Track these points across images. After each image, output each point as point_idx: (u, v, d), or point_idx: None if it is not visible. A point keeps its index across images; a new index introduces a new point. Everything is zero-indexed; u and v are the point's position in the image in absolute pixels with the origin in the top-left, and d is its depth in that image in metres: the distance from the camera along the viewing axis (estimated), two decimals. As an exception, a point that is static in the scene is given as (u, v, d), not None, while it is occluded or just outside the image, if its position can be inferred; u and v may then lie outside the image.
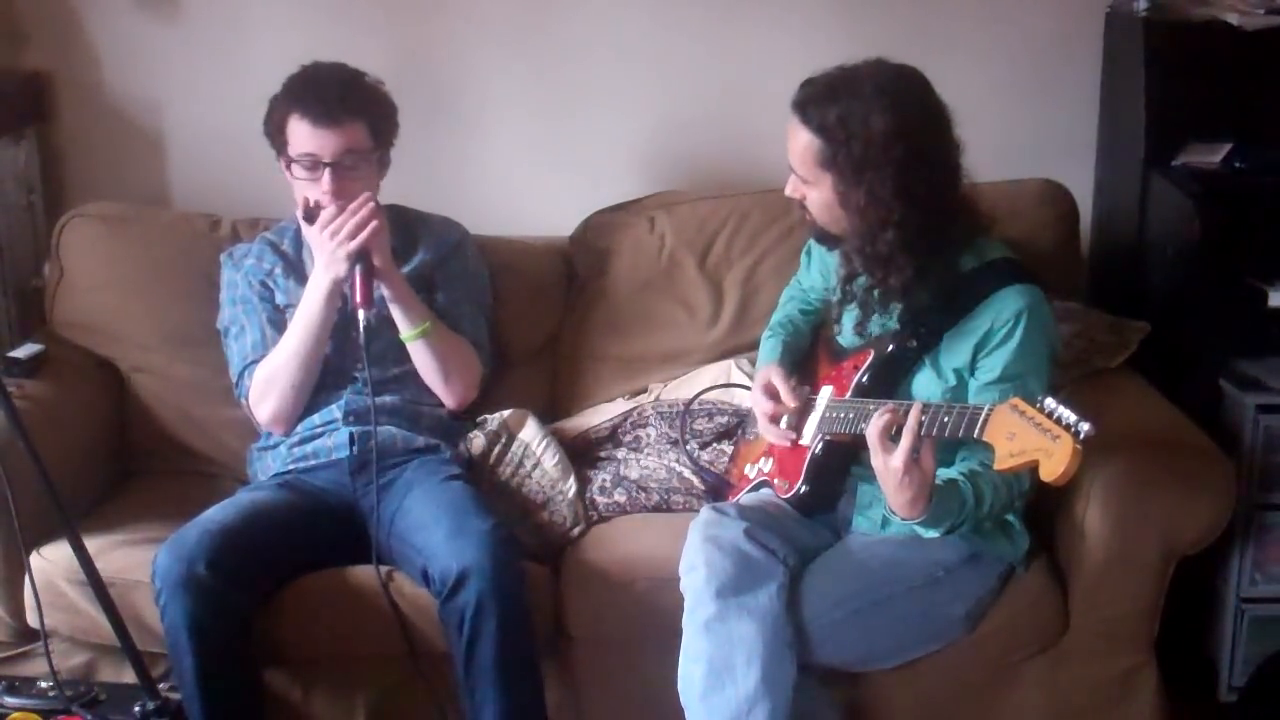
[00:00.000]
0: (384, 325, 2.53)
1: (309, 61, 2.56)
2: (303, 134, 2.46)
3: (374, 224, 2.42)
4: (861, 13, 3.10)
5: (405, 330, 2.53)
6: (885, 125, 2.08)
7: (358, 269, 2.41)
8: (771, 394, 2.36)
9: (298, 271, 2.63)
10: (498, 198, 3.16)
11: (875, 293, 2.19)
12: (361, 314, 2.40)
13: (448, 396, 2.62)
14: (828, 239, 2.28)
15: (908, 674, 2.32)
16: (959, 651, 2.30)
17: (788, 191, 2.25)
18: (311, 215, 2.47)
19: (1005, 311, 2.16)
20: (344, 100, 2.47)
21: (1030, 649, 2.37)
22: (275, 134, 2.52)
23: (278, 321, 2.60)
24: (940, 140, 2.15)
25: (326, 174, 2.45)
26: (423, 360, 2.57)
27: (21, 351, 2.68)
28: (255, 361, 2.57)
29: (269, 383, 2.54)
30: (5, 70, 3.09)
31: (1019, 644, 2.36)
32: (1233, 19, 2.81)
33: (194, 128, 3.16)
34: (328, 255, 2.44)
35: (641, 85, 3.15)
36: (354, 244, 2.41)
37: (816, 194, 2.20)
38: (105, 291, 2.82)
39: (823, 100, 2.13)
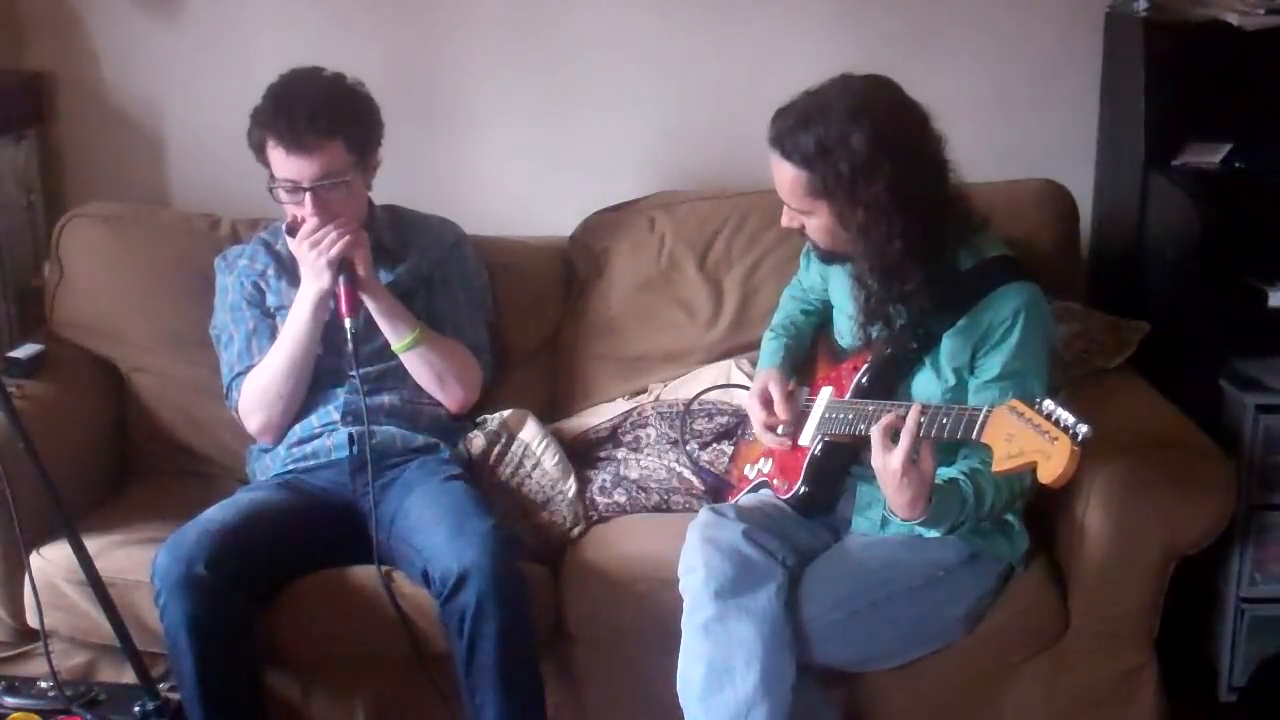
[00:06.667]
0: (374, 326, 2.54)
1: (289, 70, 2.52)
2: (279, 160, 2.44)
3: (349, 236, 2.44)
4: (861, 13, 3.10)
5: (394, 342, 2.54)
6: (867, 141, 2.06)
7: (341, 279, 2.43)
8: (766, 402, 2.36)
9: (291, 273, 2.63)
10: (497, 198, 3.16)
11: (883, 301, 2.18)
12: (348, 322, 2.42)
13: (447, 401, 2.62)
14: (833, 257, 2.27)
15: (908, 674, 2.32)
16: (959, 651, 2.30)
17: (784, 223, 2.23)
18: (293, 229, 2.49)
19: (1004, 310, 2.16)
20: (315, 124, 2.41)
21: (1030, 649, 2.37)
22: (258, 153, 2.50)
23: (266, 327, 2.61)
24: (923, 140, 2.14)
25: (308, 198, 2.44)
26: (417, 369, 2.57)
27: (21, 351, 2.67)
28: (242, 373, 2.58)
29: (259, 394, 2.54)
30: (5, 70, 3.09)
31: (1019, 644, 2.36)
32: (1233, 19, 2.81)
33: (194, 128, 3.16)
34: (310, 266, 2.46)
35: (641, 85, 3.15)
36: (333, 252, 2.43)
37: (815, 221, 2.18)
38: (105, 291, 2.82)
39: (798, 130, 2.11)
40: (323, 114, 2.43)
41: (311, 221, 2.45)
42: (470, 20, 3.12)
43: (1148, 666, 2.39)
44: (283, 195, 2.48)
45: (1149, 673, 2.39)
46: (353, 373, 2.47)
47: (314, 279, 2.47)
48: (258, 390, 2.55)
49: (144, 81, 3.15)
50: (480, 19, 3.12)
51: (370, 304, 2.51)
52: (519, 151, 3.20)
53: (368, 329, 2.54)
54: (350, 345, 2.42)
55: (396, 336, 2.54)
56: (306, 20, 3.11)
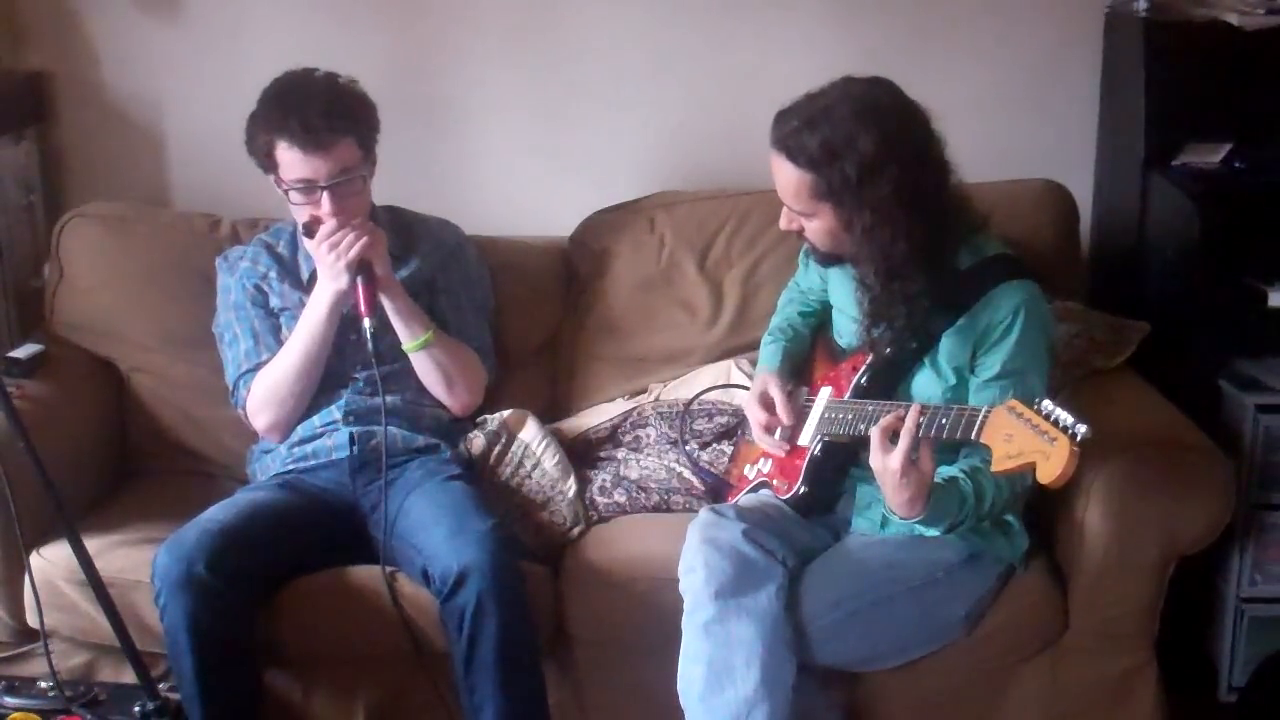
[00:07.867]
0: (384, 327, 2.54)
1: (282, 73, 2.51)
2: (293, 161, 2.44)
3: (366, 238, 2.44)
4: (861, 13, 3.10)
5: (407, 341, 2.54)
6: (873, 142, 2.06)
7: (359, 279, 2.43)
8: (767, 404, 2.36)
9: (293, 274, 2.64)
10: (497, 198, 3.16)
11: (887, 303, 2.18)
12: (366, 322, 2.42)
13: (452, 403, 2.62)
14: (832, 260, 2.27)
15: (907, 674, 2.32)
16: (959, 651, 2.30)
17: (782, 225, 2.23)
18: (311, 230, 2.48)
19: (1003, 308, 2.16)
20: (329, 121, 2.42)
21: (1030, 649, 2.37)
22: (263, 158, 2.49)
23: (270, 327, 2.61)
24: (927, 140, 2.14)
25: (325, 197, 2.45)
26: (425, 369, 2.57)
27: (21, 351, 2.68)
28: (249, 371, 2.58)
29: (269, 393, 2.54)
30: (5, 70, 3.09)
31: (1019, 644, 2.36)
32: (1233, 19, 2.81)
33: (194, 128, 3.17)
34: (328, 268, 2.45)
35: (641, 85, 3.15)
36: (353, 254, 2.43)
37: (817, 223, 2.18)
38: (105, 291, 2.82)
39: (803, 132, 2.10)
40: (335, 111, 2.44)
41: (330, 223, 2.45)
42: (471, 20, 3.12)
43: (1147, 666, 2.39)
44: (297, 197, 2.48)
45: (1149, 672, 2.38)
46: (369, 370, 2.48)
47: (332, 280, 2.46)
48: (269, 388, 2.54)
49: (144, 81, 3.15)
50: (481, 19, 3.12)
51: (387, 303, 2.50)
52: (519, 151, 3.20)
53: (378, 332, 2.53)
54: (370, 345, 2.42)
55: (410, 335, 2.54)
56: (306, 20, 3.11)
